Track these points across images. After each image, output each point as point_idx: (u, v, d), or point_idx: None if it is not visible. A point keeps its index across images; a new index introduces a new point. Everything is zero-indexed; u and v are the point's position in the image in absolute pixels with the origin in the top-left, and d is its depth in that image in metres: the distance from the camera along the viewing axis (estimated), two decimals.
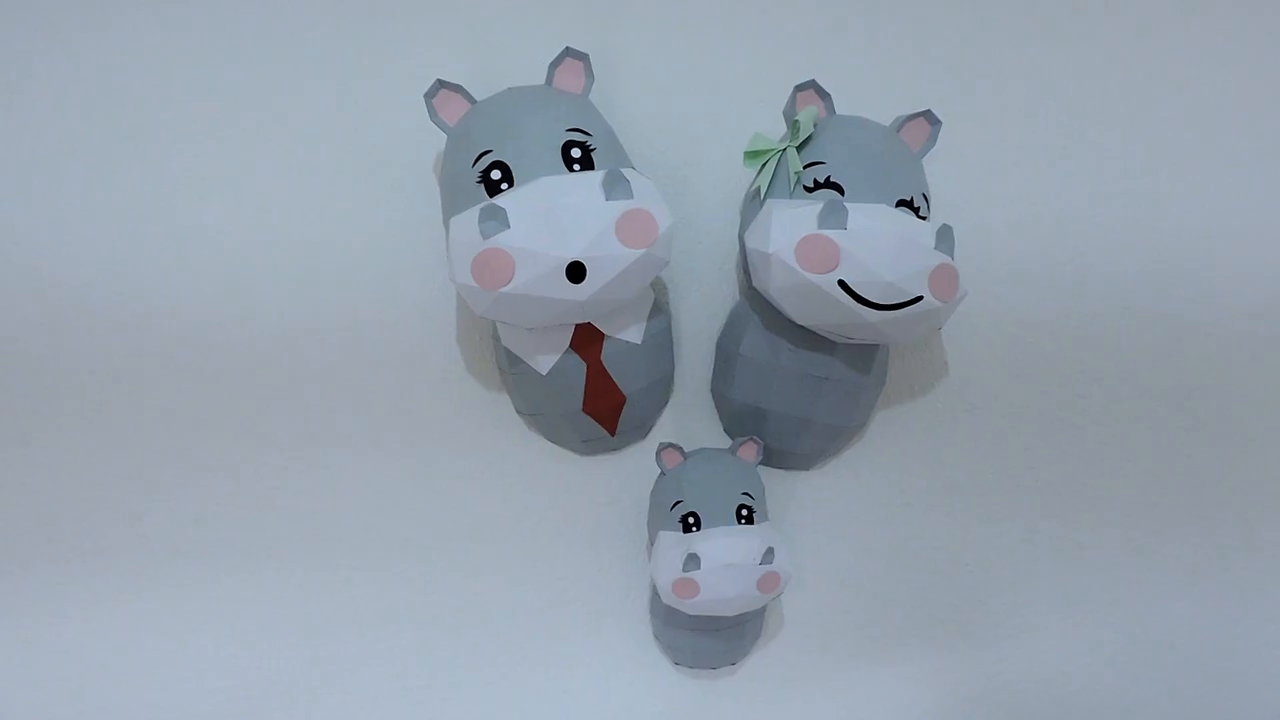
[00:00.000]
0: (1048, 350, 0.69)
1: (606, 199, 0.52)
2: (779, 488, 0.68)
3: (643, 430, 0.67)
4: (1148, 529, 0.71)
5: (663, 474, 0.62)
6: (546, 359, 0.60)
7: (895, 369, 0.68)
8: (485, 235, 0.51)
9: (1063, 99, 0.67)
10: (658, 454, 0.61)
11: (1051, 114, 0.67)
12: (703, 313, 0.68)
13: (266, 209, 0.62)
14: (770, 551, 0.57)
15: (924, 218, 0.59)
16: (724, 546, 0.56)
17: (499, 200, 0.52)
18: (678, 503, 0.59)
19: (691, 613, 0.58)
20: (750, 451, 0.62)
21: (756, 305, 0.63)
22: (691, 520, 0.59)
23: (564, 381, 0.61)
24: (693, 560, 0.56)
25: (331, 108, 0.62)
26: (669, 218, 0.55)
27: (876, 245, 0.55)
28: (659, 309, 0.64)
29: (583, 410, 0.62)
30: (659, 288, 0.68)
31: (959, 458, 0.69)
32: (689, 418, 0.68)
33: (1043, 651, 0.71)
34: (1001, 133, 0.67)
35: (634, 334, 0.61)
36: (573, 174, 0.54)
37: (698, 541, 0.57)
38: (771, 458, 0.67)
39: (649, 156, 0.66)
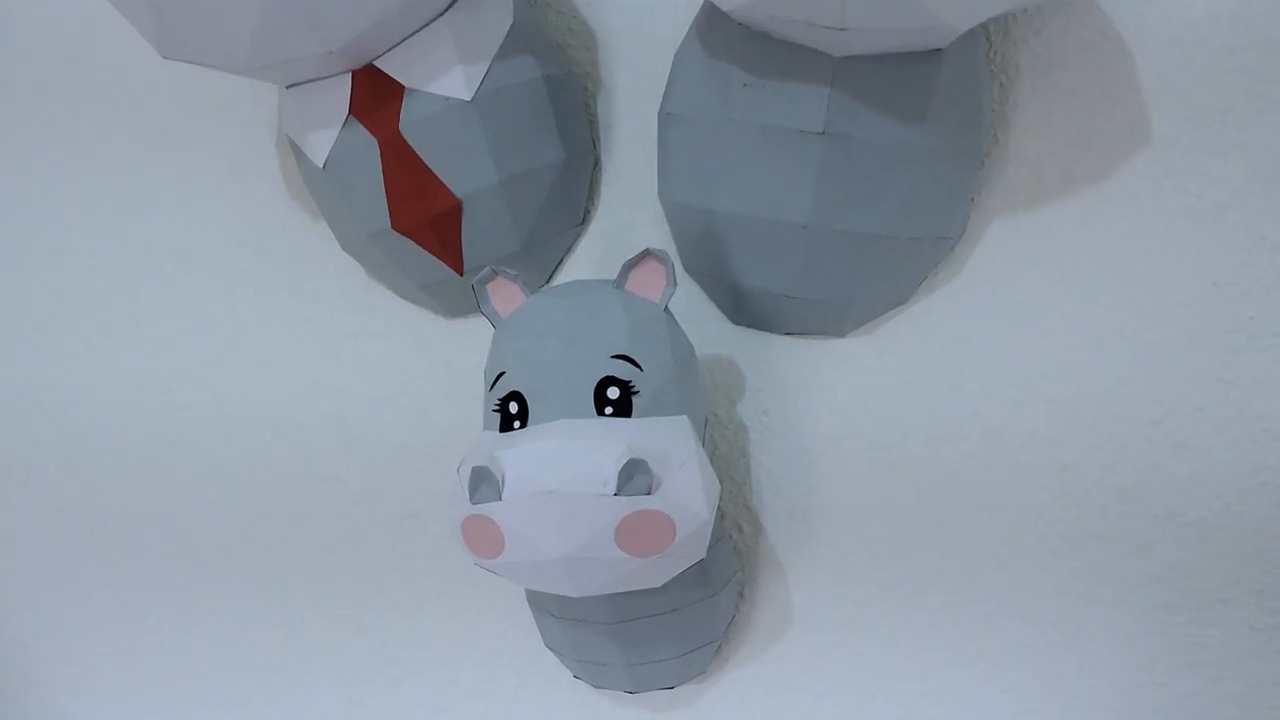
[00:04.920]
0: None
1: None
2: (791, 369, 0.37)
3: (539, 268, 0.39)
4: None
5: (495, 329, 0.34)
6: (321, 138, 0.35)
7: (1023, 119, 0.34)
8: None
9: None
10: (476, 288, 0.34)
11: None
12: (656, 72, 0.38)
13: None
14: (636, 467, 0.27)
15: None
16: (541, 456, 0.27)
17: None
18: (500, 376, 0.32)
19: (516, 583, 0.30)
20: (652, 279, 0.31)
21: (703, 29, 0.34)
22: (515, 408, 0.31)
23: (351, 177, 0.35)
24: (484, 481, 0.28)
25: None
26: None
27: None
28: (531, 46, 0.36)
29: (391, 227, 0.36)
30: (553, 17, 0.39)
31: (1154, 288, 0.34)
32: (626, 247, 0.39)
33: None
34: None
35: (455, 84, 0.34)
36: None
37: (502, 446, 0.29)
38: (762, 314, 0.36)
39: None
